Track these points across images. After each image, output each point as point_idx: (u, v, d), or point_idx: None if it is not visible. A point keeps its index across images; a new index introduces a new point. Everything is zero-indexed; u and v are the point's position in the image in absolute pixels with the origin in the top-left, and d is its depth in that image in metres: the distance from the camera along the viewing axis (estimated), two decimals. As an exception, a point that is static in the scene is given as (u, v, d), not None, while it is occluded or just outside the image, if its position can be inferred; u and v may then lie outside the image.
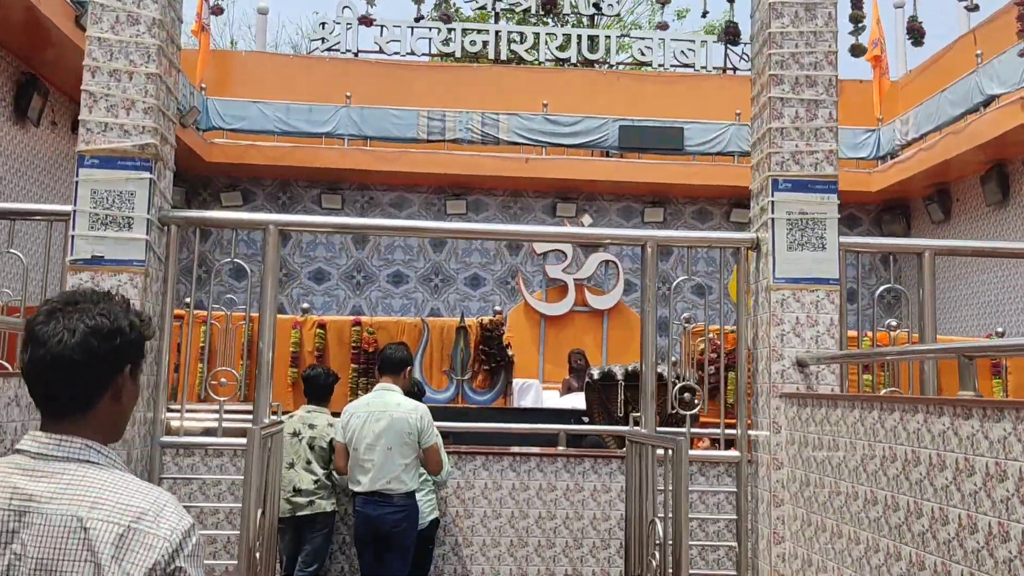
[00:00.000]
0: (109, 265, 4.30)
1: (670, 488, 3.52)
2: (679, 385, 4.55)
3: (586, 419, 7.80)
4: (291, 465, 4.78)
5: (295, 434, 4.85)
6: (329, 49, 13.97)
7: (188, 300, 8.43)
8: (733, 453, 4.56)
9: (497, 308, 8.30)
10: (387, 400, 4.76)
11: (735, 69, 14.55)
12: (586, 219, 10.11)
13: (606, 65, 14.40)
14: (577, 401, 8.45)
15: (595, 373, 7.48)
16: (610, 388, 7.53)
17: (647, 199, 13.78)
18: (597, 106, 13.42)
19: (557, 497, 5.06)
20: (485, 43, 13.89)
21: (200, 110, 12.24)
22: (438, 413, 8.11)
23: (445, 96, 13.48)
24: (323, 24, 13.93)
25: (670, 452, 3.49)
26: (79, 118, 4.38)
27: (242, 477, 3.84)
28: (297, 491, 4.75)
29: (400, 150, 12.96)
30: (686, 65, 14.36)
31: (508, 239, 11.85)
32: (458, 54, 14.11)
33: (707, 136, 13.22)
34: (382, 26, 13.81)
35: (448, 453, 5.08)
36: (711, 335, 8.24)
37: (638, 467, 4.00)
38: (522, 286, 10.16)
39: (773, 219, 4.18)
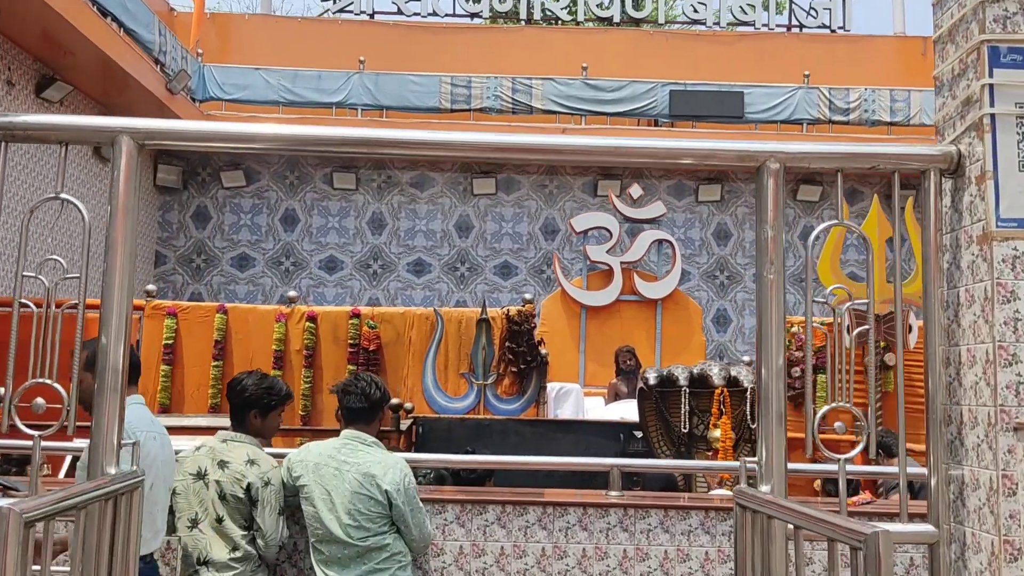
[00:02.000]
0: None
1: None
2: (826, 408, 2.89)
3: (639, 434, 6.23)
4: (194, 523, 3.20)
5: (199, 475, 3.21)
6: (341, 10, 12.54)
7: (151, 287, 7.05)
8: (921, 529, 2.70)
9: (527, 296, 6.76)
10: (358, 456, 3.24)
11: (801, 26, 12.84)
12: (635, 189, 8.53)
13: (653, 24, 12.77)
14: (627, 411, 6.89)
15: (651, 377, 5.92)
16: (670, 396, 5.97)
17: (702, 175, 12.13)
18: (644, 69, 11.82)
19: (611, 569, 3.50)
20: (517, 1, 12.36)
21: (191, 75, 10.85)
22: (454, 427, 6.63)
23: (471, 61, 11.98)
24: (335, -17, 12.51)
25: (859, 553, 1.88)
26: None
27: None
28: (204, 563, 3.15)
29: (420, 121, 11.47)
30: (744, 23, 12.70)
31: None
32: (486, 14, 12.59)
33: (771, 102, 11.57)
34: (400, -16, 12.36)
35: (452, 503, 3.54)
36: (795, 329, 6.61)
37: (760, 543, 2.44)
38: (558, 270, 8.62)
39: (993, 117, 2.48)
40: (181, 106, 10.62)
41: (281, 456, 3.39)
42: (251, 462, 3.20)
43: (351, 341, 6.56)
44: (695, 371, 5.95)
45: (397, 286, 12.03)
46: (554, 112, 11.45)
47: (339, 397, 3.36)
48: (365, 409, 3.26)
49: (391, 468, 3.16)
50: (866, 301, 6.23)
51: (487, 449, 6.20)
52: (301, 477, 3.23)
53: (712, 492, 5.38)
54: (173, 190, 12.05)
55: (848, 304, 6.55)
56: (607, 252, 8.37)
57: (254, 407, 3.29)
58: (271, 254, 12.11)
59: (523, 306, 6.69)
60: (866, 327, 6.00)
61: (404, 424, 5.78)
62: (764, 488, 2.55)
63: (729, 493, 4.63)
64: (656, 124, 11.71)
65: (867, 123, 11.60)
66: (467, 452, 4.25)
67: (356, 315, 6.61)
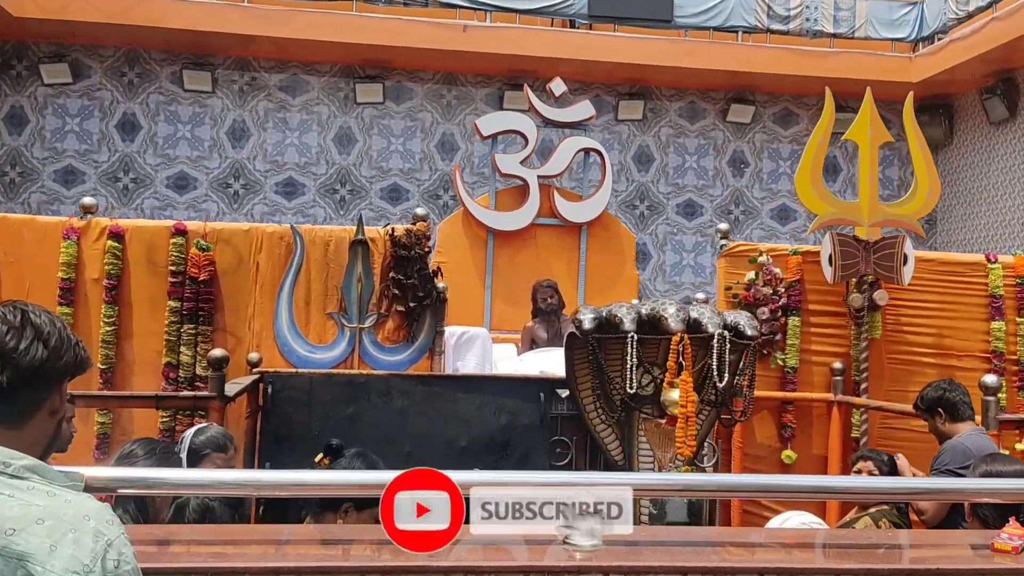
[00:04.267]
0: None
1: None
2: None
3: (564, 393, 4.73)
4: None
5: None
6: None
7: None
8: None
9: (419, 211, 5.10)
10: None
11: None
12: (557, 84, 6.88)
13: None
14: (547, 363, 5.36)
15: (586, 319, 4.37)
16: (610, 344, 4.47)
17: (622, 89, 10.61)
18: (560, -40, 10.08)
19: None
20: None
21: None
22: (318, 386, 4.94)
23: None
24: None
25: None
26: None
27: None
28: None
29: (292, 8, 9.47)
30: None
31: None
32: None
33: (703, 6, 10.10)
34: None
35: None
36: (763, 259, 5.20)
37: None
38: (459, 184, 6.93)
39: None
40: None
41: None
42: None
43: (173, 268, 4.75)
44: (644, 312, 4.43)
45: (263, 210, 10.11)
46: (453, 5, 9.64)
47: None
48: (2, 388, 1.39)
49: (68, 536, 1.29)
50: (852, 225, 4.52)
51: (361, 420, 4.57)
52: None
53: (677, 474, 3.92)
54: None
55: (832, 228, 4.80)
56: (521, 163, 6.74)
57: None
58: (105, 168, 9.96)
59: (414, 224, 5.02)
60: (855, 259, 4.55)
61: (236, 385, 4.06)
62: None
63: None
64: (572, 25, 10.06)
65: (808, 34, 10.28)
66: (330, 451, 2.56)
67: (181, 232, 4.80)
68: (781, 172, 10.91)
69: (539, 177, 6.72)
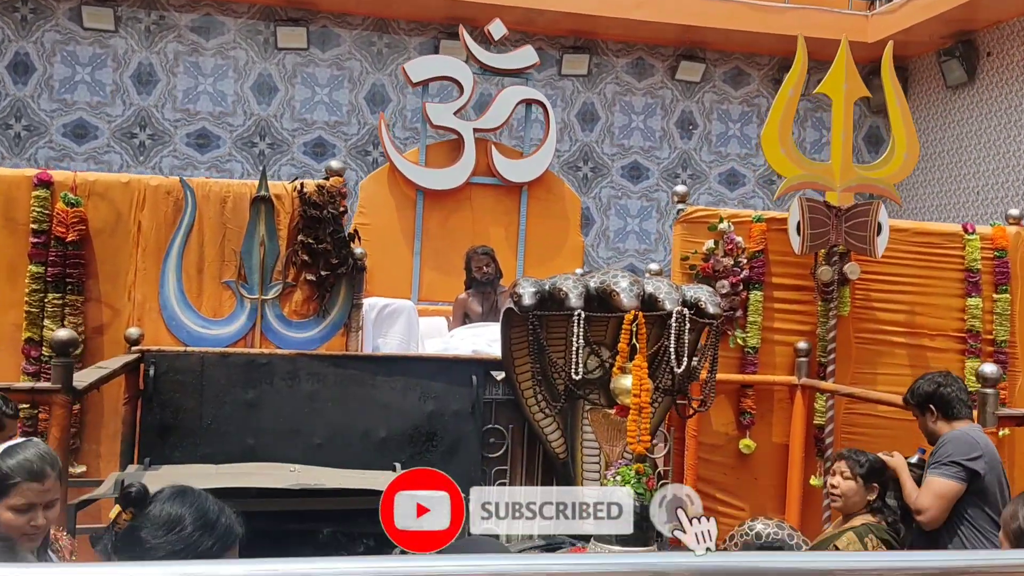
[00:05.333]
0: None
1: None
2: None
3: (500, 375, 4.16)
4: None
5: None
6: None
7: None
8: None
9: (334, 164, 4.40)
10: None
11: None
12: (497, 26, 6.14)
13: None
14: (480, 340, 4.78)
15: (527, 293, 3.78)
16: (553, 322, 3.91)
17: (567, 42, 9.95)
18: None
19: None
20: None
21: None
22: (211, 368, 4.20)
23: None
24: None
25: None
26: None
27: None
28: None
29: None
30: None
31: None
32: None
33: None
34: None
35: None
36: (724, 225, 4.66)
37: None
38: (385, 135, 6.19)
39: None
40: None
41: None
42: None
43: (36, 226, 3.99)
44: (593, 285, 3.85)
45: (173, 163, 9.21)
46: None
47: None
48: None
49: None
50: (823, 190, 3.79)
51: (262, 407, 3.93)
52: None
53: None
54: None
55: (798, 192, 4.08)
56: (455, 115, 6.05)
57: None
58: (-7, 113, 8.96)
59: (327, 179, 4.33)
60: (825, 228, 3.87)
61: (99, 371, 3.35)
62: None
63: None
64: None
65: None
66: (131, 499, 1.73)
67: (44, 183, 4.02)
68: (731, 135, 10.42)
69: (475, 130, 6.04)
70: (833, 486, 3.38)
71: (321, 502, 3.38)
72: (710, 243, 4.58)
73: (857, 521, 3.25)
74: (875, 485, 3.31)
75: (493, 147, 6.09)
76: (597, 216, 10.14)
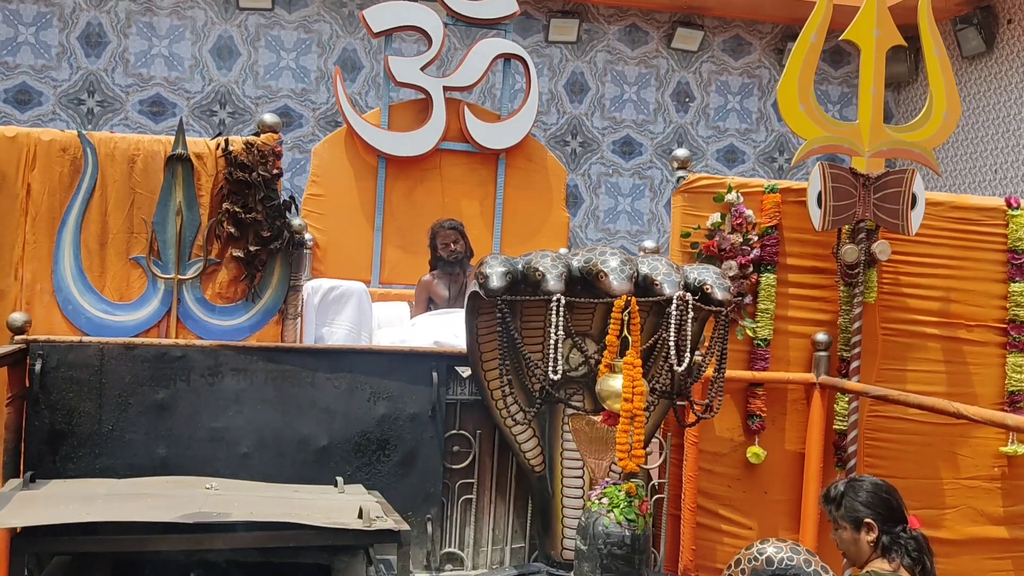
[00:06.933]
0: None
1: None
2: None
3: (466, 372, 3.56)
4: None
5: None
6: None
7: None
8: None
9: (268, 118, 3.71)
10: None
11: None
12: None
13: None
14: (445, 330, 4.11)
15: (494, 273, 3.13)
16: (528, 309, 3.29)
17: (554, 5, 9.24)
18: None
19: None
20: None
21: None
22: (115, 362, 3.41)
23: None
24: None
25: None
26: None
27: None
28: None
29: None
30: None
31: None
32: None
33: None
34: None
35: None
36: (732, 196, 3.99)
37: None
38: (341, 91, 5.46)
39: None
40: None
41: None
42: None
43: None
44: (576, 265, 3.19)
45: (125, 132, 8.44)
46: None
47: None
48: None
49: None
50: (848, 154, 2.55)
51: (177, 410, 3.30)
52: None
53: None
54: None
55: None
56: (422, 70, 5.33)
57: None
58: (-78, 76, 8.20)
59: (259, 136, 3.64)
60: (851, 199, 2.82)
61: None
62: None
63: None
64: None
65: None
66: None
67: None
68: (730, 108, 9.75)
69: (445, 89, 5.33)
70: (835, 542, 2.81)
71: (231, 538, 2.70)
72: (715, 217, 3.93)
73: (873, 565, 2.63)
74: (868, 521, 2.67)
75: (466, 108, 5.38)
76: (586, 195, 9.47)
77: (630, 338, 2.98)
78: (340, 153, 5.30)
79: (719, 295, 3.14)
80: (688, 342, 3.07)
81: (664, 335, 3.08)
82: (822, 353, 3.98)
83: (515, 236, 5.35)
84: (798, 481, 4.01)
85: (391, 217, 5.26)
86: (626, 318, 2.98)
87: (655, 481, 3.76)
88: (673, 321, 3.06)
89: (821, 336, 3.99)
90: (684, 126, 9.67)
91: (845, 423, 4.00)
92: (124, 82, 8.53)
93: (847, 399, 3.99)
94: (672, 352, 3.07)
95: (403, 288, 5.16)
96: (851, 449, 3.97)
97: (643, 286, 3.16)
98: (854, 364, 3.98)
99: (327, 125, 8.72)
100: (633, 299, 3.00)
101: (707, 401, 3.27)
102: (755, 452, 3.99)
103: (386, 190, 5.29)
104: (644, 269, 3.18)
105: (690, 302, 3.07)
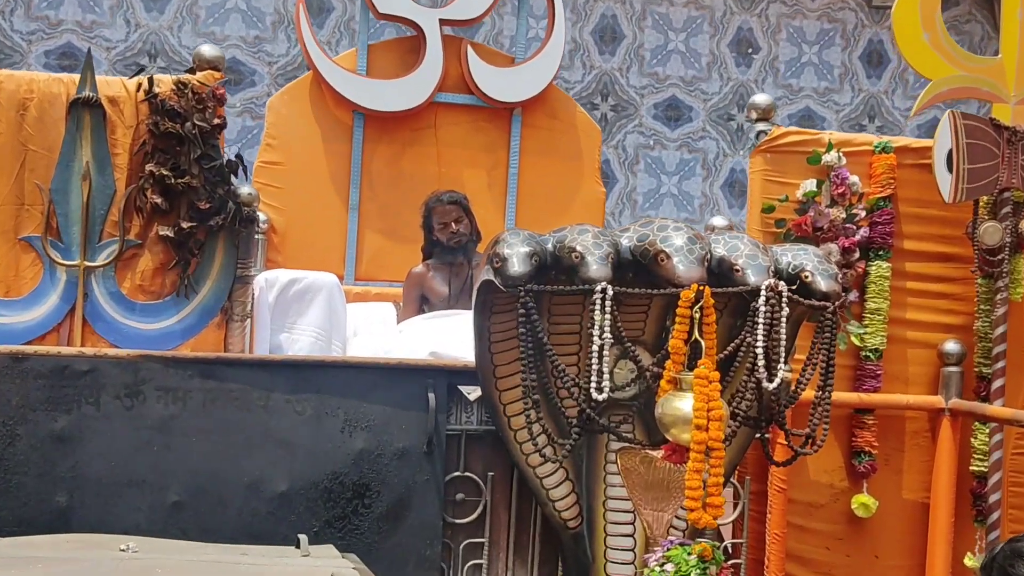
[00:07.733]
0: None
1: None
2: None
3: (472, 393, 3.55)
4: None
5: None
6: None
7: None
8: None
9: (207, 52, 3.65)
10: None
11: None
12: None
13: None
14: (444, 336, 4.11)
15: (515, 256, 3.01)
16: (559, 305, 3.27)
17: (579, -69, 9.26)
18: None
19: None
20: None
21: None
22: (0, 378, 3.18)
23: None
24: None
25: None
26: None
27: None
28: None
29: None
30: None
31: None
32: None
33: None
34: None
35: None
36: (832, 156, 3.86)
37: None
38: (304, 25, 5.33)
39: None
40: None
41: None
42: None
43: None
44: (627, 243, 3.08)
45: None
46: None
47: None
48: None
49: None
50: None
51: (82, 443, 3.44)
52: None
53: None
54: None
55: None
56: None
57: None
58: None
59: (194, 73, 3.52)
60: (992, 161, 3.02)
61: None
62: None
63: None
64: None
65: None
66: None
67: None
68: (805, 62, 9.84)
69: (442, 23, 5.20)
70: None
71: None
72: (809, 185, 3.95)
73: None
74: None
75: (470, 48, 5.32)
76: (620, 173, 9.51)
77: (703, 343, 2.86)
78: (303, 107, 5.28)
79: (823, 285, 3.06)
80: (782, 349, 2.96)
81: (749, 339, 2.98)
82: (953, 368, 4.03)
83: (534, 217, 5.36)
84: (921, 541, 4.04)
85: (371, 192, 5.29)
86: (697, 315, 2.87)
87: (727, 542, 3.75)
88: (761, 319, 2.95)
89: (952, 346, 4.04)
90: (746, 84, 9.72)
91: (985, 463, 4.02)
92: (25, 28, 8.54)
93: (987, 430, 4.02)
94: (759, 363, 2.95)
95: (386, 285, 5.16)
96: (993, 498, 3.97)
97: (718, 273, 3.09)
98: (997, 383, 4.01)
99: (286, 82, 8.70)
100: (707, 289, 2.88)
101: (807, 431, 3.19)
102: (863, 502, 4.01)
103: (364, 156, 5.30)
104: (720, 250, 3.09)
105: (784, 294, 2.94)
